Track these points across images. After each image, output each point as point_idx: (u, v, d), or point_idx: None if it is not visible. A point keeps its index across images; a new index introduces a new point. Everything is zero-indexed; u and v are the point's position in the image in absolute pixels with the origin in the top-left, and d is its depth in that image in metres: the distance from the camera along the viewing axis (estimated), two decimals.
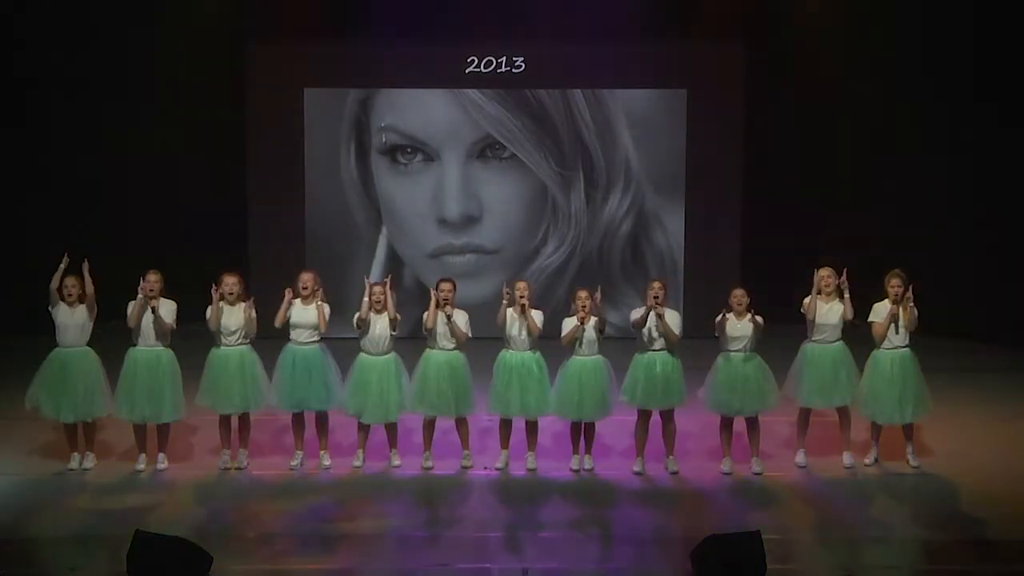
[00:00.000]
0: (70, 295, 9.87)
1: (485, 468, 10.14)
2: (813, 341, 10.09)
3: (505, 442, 10.19)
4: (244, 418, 10.18)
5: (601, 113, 14.94)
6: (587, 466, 10.11)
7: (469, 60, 14.73)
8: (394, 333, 10.04)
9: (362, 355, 10.07)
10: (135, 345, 9.99)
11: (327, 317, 10.08)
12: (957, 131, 14.29)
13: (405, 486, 9.81)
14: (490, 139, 14.90)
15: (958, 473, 10.00)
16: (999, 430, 11.02)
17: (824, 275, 10.01)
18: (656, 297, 9.82)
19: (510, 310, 9.97)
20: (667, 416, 10.06)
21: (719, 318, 9.95)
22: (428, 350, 10.10)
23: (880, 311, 10.01)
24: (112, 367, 10.04)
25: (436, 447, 10.23)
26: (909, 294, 9.92)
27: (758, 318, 9.91)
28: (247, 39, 14.69)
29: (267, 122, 14.83)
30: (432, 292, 10.06)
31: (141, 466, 10.07)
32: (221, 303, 9.97)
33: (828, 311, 9.98)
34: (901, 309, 9.93)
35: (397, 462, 10.19)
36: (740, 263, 14.66)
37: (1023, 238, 14.18)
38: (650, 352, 9.94)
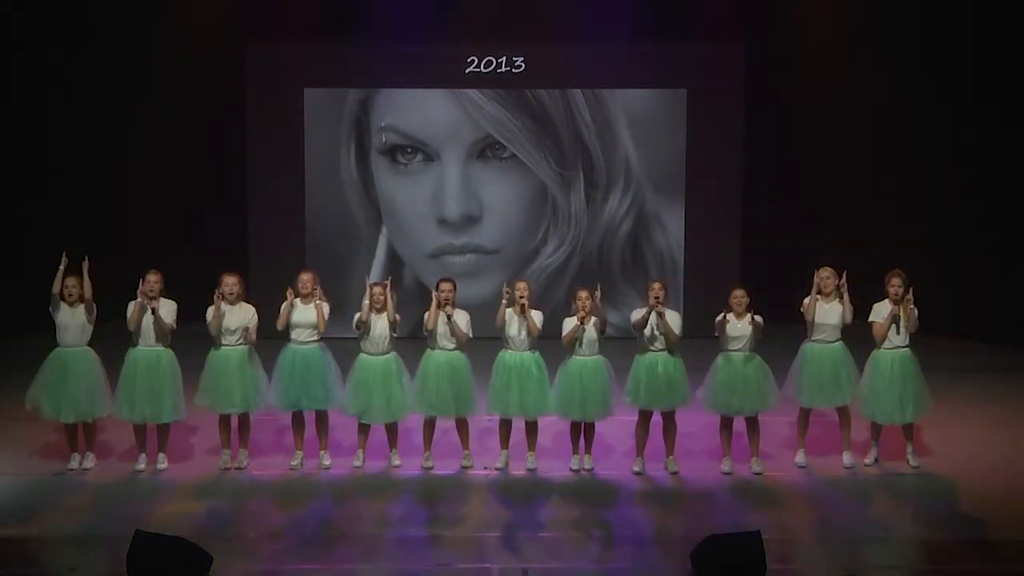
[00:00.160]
0: (71, 295, 9.87)
1: (485, 468, 10.14)
2: (813, 341, 10.09)
3: (505, 442, 10.19)
4: (244, 418, 10.18)
5: (601, 113, 14.94)
6: (587, 466, 10.11)
7: (469, 60, 14.73)
8: (394, 334, 10.04)
9: (362, 355, 10.07)
10: (135, 345, 9.99)
11: (327, 317, 10.08)
12: (957, 131, 14.30)
13: (405, 486, 9.81)
14: (490, 139, 14.91)
15: (958, 473, 10.00)
16: (999, 430, 11.02)
17: (824, 275, 10.01)
18: (657, 298, 9.82)
19: (509, 310, 9.97)
20: (668, 416, 10.07)
21: (719, 318, 9.95)
22: (428, 350, 10.10)
23: (880, 311, 10.01)
24: (112, 367, 10.04)
25: (436, 447, 10.23)
26: (909, 295, 9.93)
27: (758, 318, 9.91)
28: (247, 39, 14.69)
29: (267, 122, 14.84)
30: (433, 293, 10.06)
31: (141, 466, 10.07)
32: (222, 304, 9.97)
33: (828, 311, 9.98)
34: (901, 309, 9.93)
35: (397, 462, 10.19)
36: (740, 263, 14.67)
37: (1023, 238, 14.18)
38: (651, 353, 9.94)
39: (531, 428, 10.15)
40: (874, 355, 10.07)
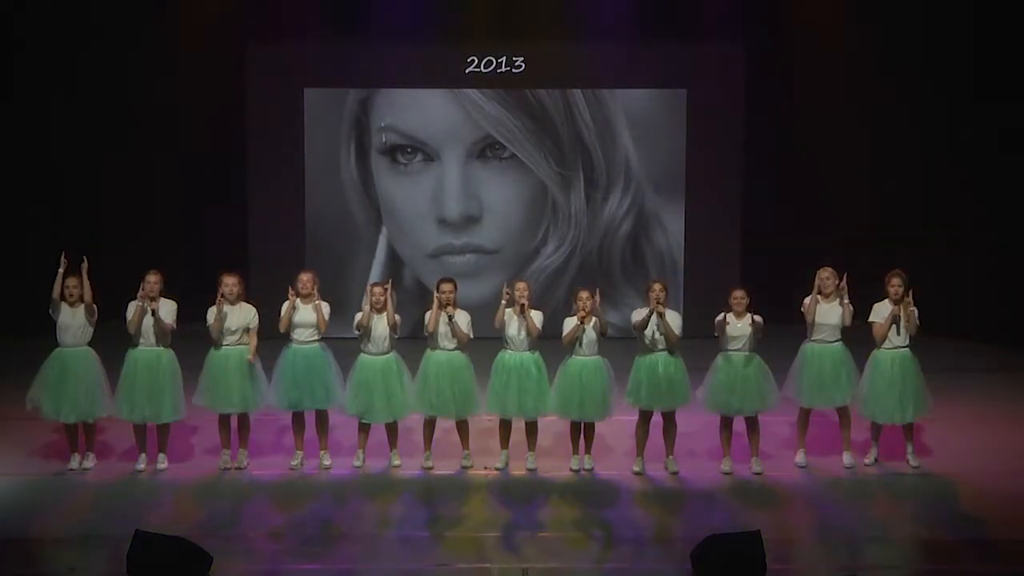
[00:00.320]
0: (71, 295, 9.87)
1: (485, 468, 10.14)
2: (813, 341, 10.10)
3: (505, 442, 10.19)
4: (244, 418, 10.18)
5: (601, 113, 14.94)
6: (587, 466, 10.11)
7: (469, 60, 14.73)
8: (395, 335, 10.04)
9: (362, 355, 10.07)
10: (135, 346, 9.99)
11: (327, 317, 10.08)
12: (957, 131, 14.30)
13: (405, 486, 9.81)
14: (490, 139, 14.91)
15: (958, 473, 10.00)
16: (999, 430, 11.01)
17: (824, 275, 10.01)
18: (658, 299, 9.82)
19: (509, 310, 9.97)
20: (668, 416, 10.07)
21: (719, 318, 9.96)
22: (429, 350, 10.10)
23: (880, 311, 10.02)
24: (112, 367, 10.04)
25: (436, 447, 10.23)
26: (909, 298, 9.93)
27: (757, 318, 9.92)
28: (247, 39, 14.68)
29: (267, 122, 14.83)
30: (435, 295, 10.04)
31: (141, 466, 10.08)
32: (223, 306, 9.97)
33: (828, 311, 9.98)
34: (901, 309, 9.93)
35: (397, 462, 10.19)
36: (740, 263, 14.66)
37: (1023, 238, 14.18)
38: (651, 353, 9.94)
39: (531, 428, 10.15)
40: (874, 355, 10.08)
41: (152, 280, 9.91)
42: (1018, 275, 14.09)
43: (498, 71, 14.76)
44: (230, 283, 10.03)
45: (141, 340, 9.96)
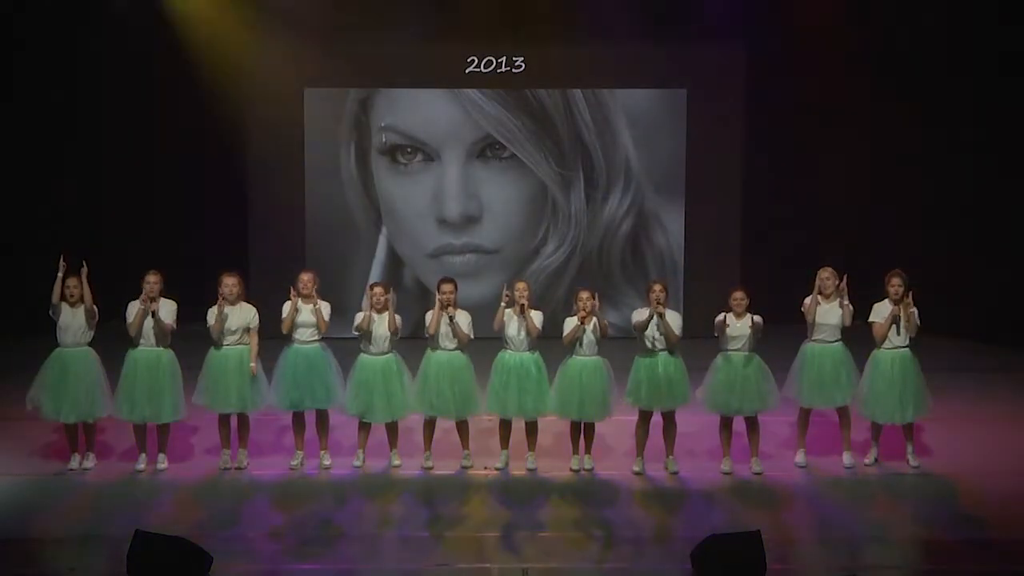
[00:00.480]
0: (72, 295, 9.86)
1: (485, 468, 10.14)
2: (813, 341, 10.10)
3: (505, 442, 10.19)
4: (243, 418, 10.18)
5: (601, 113, 14.94)
6: (587, 466, 10.11)
7: (469, 60, 14.72)
8: (396, 338, 10.05)
9: (363, 355, 10.07)
10: (135, 346, 9.99)
11: (327, 317, 10.08)
12: (957, 131, 14.29)
13: (405, 486, 9.81)
14: (490, 139, 14.91)
15: (958, 473, 10.00)
16: (999, 430, 11.00)
17: (825, 276, 10.02)
18: (658, 300, 9.82)
19: (508, 311, 9.96)
20: (668, 416, 10.07)
21: (718, 319, 9.96)
22: (429, 350, 10.10)
23: (880, 311, 10.02)
24: (112, 367, 10.04)
25: (436, 447, 10.23)
26: (909, 298, 9.93)
27: (757, 318, 9.92)
28: (247, 39, 14.67)
29: (267, 122, 14.83)
30: (436, 297, 10.03)
31: (141, 466, 10.08)
32: (224, 306, 9.97)
33: (828, 311, 9.98)
34: (901, 310, 9.93)
35: (397, 462, 10.20)
36: (740, 263, 14.66)
37: (1023, 238, 14.18)
38: (651, 353, 9.93)
39: (531, 428, 10.15)
40: (874, 355, 10.08)
41: (152, 280, 9.91)
42: (1018, 275, 14.09)
43: (498, 71, 14.75)
44: (230, 283, 10.03)
45: (141, 340, 9.96)
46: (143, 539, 7.73)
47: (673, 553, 8.40)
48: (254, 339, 10.06)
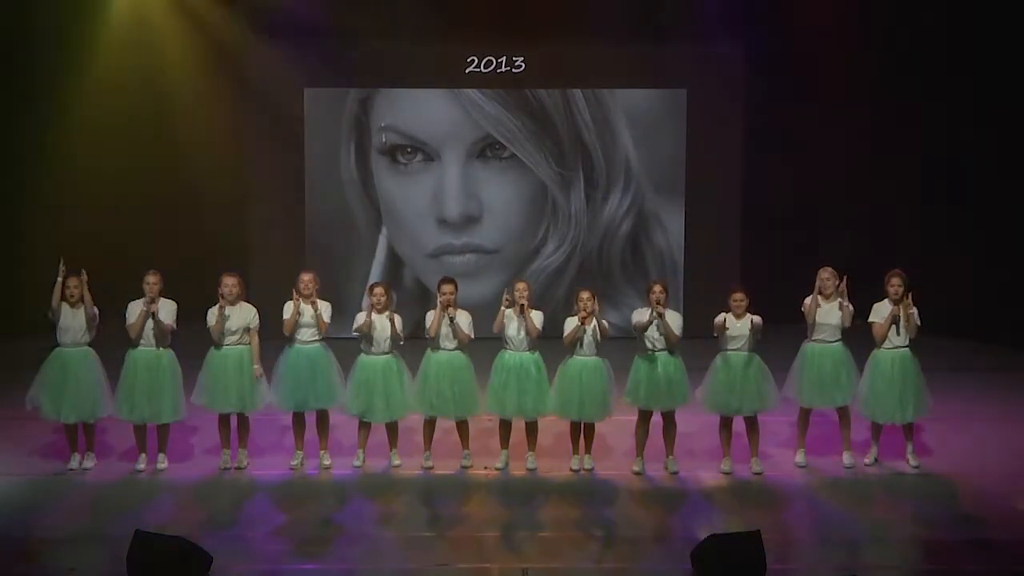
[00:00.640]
0: (72, 295, 9.86)
1: (485, 468, 10.14)
2: (813, 341, 10.10)
3: (505, 442, 10.19)
4: (243, 418, 10.18)
5: (601, 113, 14.94)
6: (587, 466, 10.11)
7: (469, 60, 14.73)
8: (401, 343, 10.05)
9: (363, 355, 10.07)
10: (135, 346, 9.99)
11: (328, 317, 10.08)
12: (957, 131, 14.29)
13: (405, 486, 9.81)
14: (490, 139, 14.91)
15: (958, 473, 10.01)
16: (999, 430, 11.01)
17: (825, 276, 10.02)
18: (659, 301, 9.82)
19: (508, 311, 9.96)
20: (668, 416, 10.07)
21: (718, 319, 9.96)
22: (429, 350, 10.10)
23: (880, 311, 10.02)
24: (112, 367, 10.04)
25: (436, 447, 10.23)
26: (909, 298, 9.93)
27: (756, 319, 9.92)
28: (247, 39, 14.67)
29: (267, 122, 14.82)
30: (437, 298, 10.03)
31: (141, 466, 10.08)
32: (224, 307, 9.98)
33: (828, 311, 9.98)
34: (901, 309, 9.93)
35: (397, 462, 10.20)
36: (740, 263, 14.66)
37: (1022, 238, 14.18)
38: (651, 353, 9.93)
39: (531, 428, 10.15)
40: (874, 355, 10.08)
41: (151, 281, 9.91)
42: (1018, 275, 14.09)
43: (498, 71, 14.76)
44: (230, 283, 10.03)
45: (141, 341, 9.95)
46: (143, 539, 7.73)
47: (673, 553, 8.39)
48: (255, 339, 10.06)
